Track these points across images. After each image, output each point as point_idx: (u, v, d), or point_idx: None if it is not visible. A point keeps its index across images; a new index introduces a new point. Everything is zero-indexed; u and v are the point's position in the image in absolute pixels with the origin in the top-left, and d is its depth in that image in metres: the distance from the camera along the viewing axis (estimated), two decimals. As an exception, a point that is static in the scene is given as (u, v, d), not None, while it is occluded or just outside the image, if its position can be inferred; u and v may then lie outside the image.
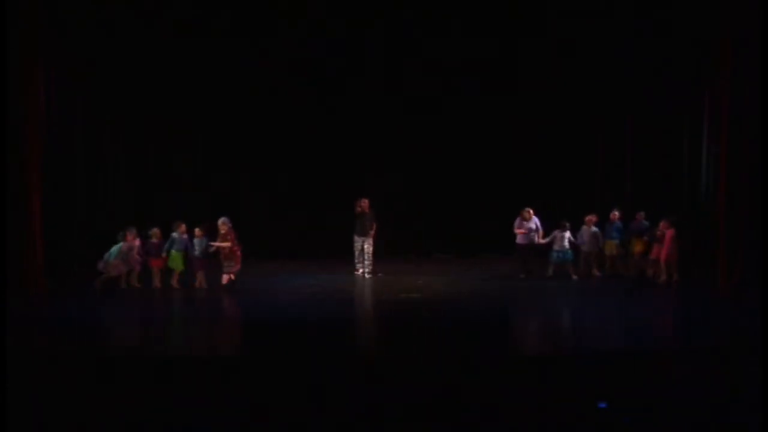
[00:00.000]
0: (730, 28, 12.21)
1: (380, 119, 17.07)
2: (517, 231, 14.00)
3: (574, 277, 13.77)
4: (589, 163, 17.26)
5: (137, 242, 13.08)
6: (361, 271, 14.28)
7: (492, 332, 10.26)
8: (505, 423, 6.90)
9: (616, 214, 14.23)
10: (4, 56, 11.62)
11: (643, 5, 15.07)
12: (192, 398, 7.37)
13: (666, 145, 15.78)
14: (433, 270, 15.22)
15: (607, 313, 11.28)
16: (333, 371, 7.96)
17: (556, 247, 13.82)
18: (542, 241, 13.99)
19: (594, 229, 13.98)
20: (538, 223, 14.11)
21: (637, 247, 14.00)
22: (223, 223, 12.96)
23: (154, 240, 13.12)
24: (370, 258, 14.25)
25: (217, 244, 12.91)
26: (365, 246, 14.21)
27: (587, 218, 14.06)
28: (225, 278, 12.89)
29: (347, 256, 14.95)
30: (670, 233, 13.33)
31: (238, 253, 12.95)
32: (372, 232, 14.20)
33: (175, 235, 13.10)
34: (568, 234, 13.79)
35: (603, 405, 6.99)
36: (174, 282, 13.13)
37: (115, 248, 12.90)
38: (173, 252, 13.09)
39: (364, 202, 14.18)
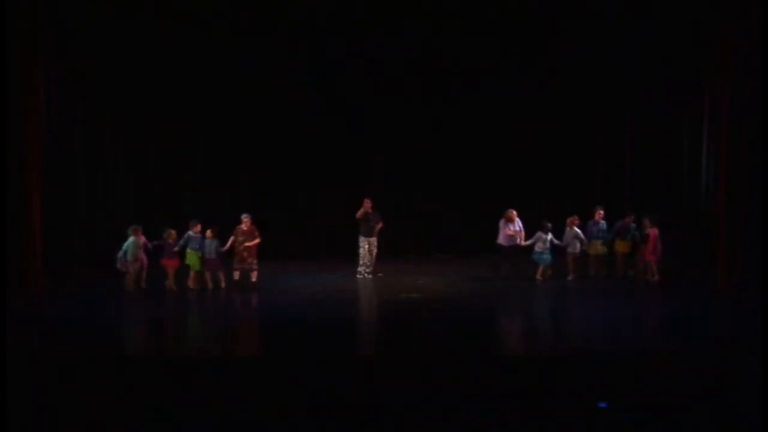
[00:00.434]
0: (730, 28, 12.20)
1: (380, 119, 17.07)
2: (507, 232, 13.92)
3: (539, 278, 13.68)
4: (589, 163, 17.26)
5: (143, 240, 12.95)
6: (362, 275, 14.17)
7: (492, 332, 10.27)
8: (505, 423, 6.90)
9: (600, 213, 14.14)
10: (4, 56, 11.62)
11: (644, 5, 15.06)
12: (192, 398, 7.37)
13: (666, 145, 15.78)
14: (433, 270, 15.21)
15: (606, 313, 11.27)
16: (333, 371, 7.96)
17: (537, 248, 13.78)
18: (525, 242, 13.95)
19: (576, 230, 13.85)
20: (521, 225, 14.06)
21: (621, 248, 13.98)
22: (246, 219, 12.93)
23: (170, 241, 12.97)
24: (373, 259, 14.21)
25: (249, 244, 12.86)
26: (371, 247, 14.12)
27: (569, 219, 13.90)
28: (237, 274, 12.91)
29: (347, 257, 14.94)
30: (654, 232, 13.34)
31: (254, 250, 12.98)
32: (378, 228, 14.07)
33: (190, 233, 13.01)
34: (550, 236, 13.73)
35: (603, 405, 6.99)
36: (190, 282, 12.99)
37: (127, 245, 12.75)
38: (188, 251, 13.00)
39: (367, 203, 14.12)
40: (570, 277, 13.75)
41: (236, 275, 12.96)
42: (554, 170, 17.09)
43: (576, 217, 13.94)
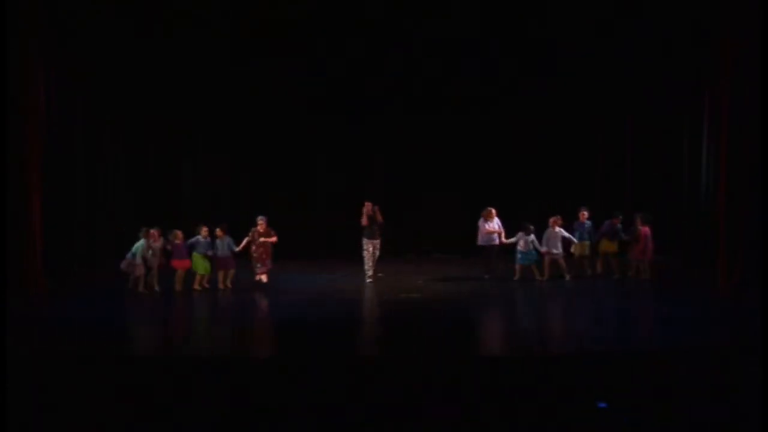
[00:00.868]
0: (730, 28, 12.20)
1: (380, 119, 17.09)
2: (489, 230, 13.86)
3: (538, 278, 13.64)
4: (589, 163, 17.27)
5: (159, 243, 12.88)
6: (372, 278, 14.11)
7: (492, 332, 10.26)
8: (505, 423, 6.90)
9: (584, 214, 14.05)
10: (4, 56, 11.62)
11: (644, 5, 15.07)
12: (192, 399, 7.37)
13: (666, 145, 15.79)
14: (433, 270, 15.21)
15: (605, 313, 11.28)
16: (333, 371, 7.97)
17: (520, 248, 13.74)
18: (505, 241, 13.88)
19: (557, 230, 13.79)
20: (500, 224, 13.99)
21: (606, 248, 13.95)
22: (261, 221, 12.93)
23: (177, 241, 12.93)
24: (372, 261, 14.14)
25: (268, 240, 12.86)
26: (375, 250, 14.06)
27: (552, 220, 13.81)
28: (265, 277, 12.96)
29: (347, 257, 14.94)
30: (645, 231, 13.33)
31: (270, 252, 12.99)
32: (380, 219, 14.01)
33: (199, 238, 13.00)
34: (532, 237, 13.68)
35: (603, 405, 6.99)
36: (196, 284, 12.94)
37: (136, 246, 12.70)
38: (195, 255, 12.97)
39: (368, 206, 14.05)
40: (544, 277, 13.64)
41: (264, 278, 12.97)
42: (554, 170, 17.10)
43: (558, 217, 13.83)
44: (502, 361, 8.37)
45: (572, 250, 14.02)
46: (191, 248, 12.99)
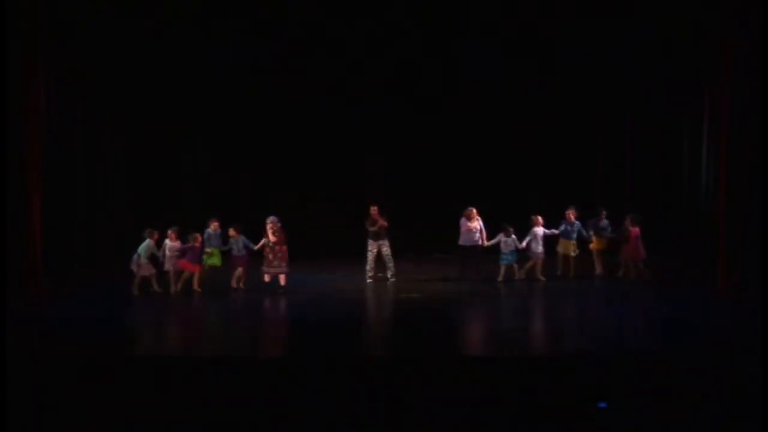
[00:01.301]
0: (730, 28, 12.20)
1: (380, 119, 17.07)
2: (470, 228, 13.76)
3: (518, 278, 13.59)
4: (589, 163, 17.26)
5: (177, 243, 12.76)
6: (372, 279, 14.06)
7: (491, 332, 10.26)
8: (505, 423, 6.90)
9: (572, 213, 13.94)
10: (4, 56, 11.62)
11: (644, 5, 15.06)
12: (191, 399, 7.37)
13: (666, 145, 15.79)
14: (433, 270, 15.20)
15: (605, 313, 11.28)
16: (334, 371, 7.97)
17: (502, 249, 13.66)
18: (486, 243, 13.83)
19: (537, 229, 13.66)
20: (482, 225, 13.90)
21: (597, 245, 13.90)
22: (273, 222, 12.90)
23: (196, 244, 12.80)
24: (391, 260, 14.07)
25: (271, 239, 12.79)
26: (383, 249, 14.03)
27: (534, 218, 13.74)
28: (282, 278, 12.85)
29: (347, 257, 14.94)
30: (635, 231, 13.32)
31: (286, 254, 12.90)
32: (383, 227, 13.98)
33: (210, 231, 12.97)
34: (513, 237, 13.62)
35: (603, 405, 6.99)
36: (195, 284, 12.86)
37: (142, 247, 12.64)
38: (212, 249, 12.93)
39: (374, 210, 14.02)
40: (518, 278, 13.60)
41: (266, 278, 12.89)
42: (554, 170, 17.09)
43: (538, 216, 13.75)
44: (502, 361, 8.37)
45: (558, 248, 13.91)
46: (206, 245, 12.91)
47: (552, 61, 16.50)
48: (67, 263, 14.20)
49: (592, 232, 13.97)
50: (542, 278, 13.59)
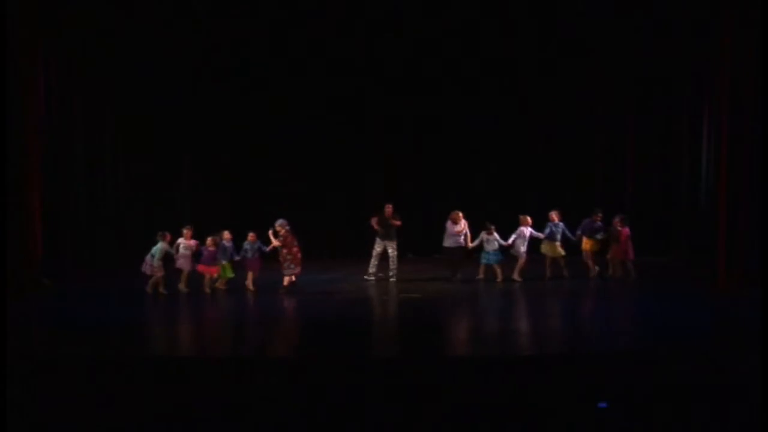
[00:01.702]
0: (730, 27, 12.20)
1: (380, 119, 17.08)
2: (456, 231, 13.70)
3: (499, 279, 13.53)
4: (589, 163, 17.27)
5: (192, 242, 12.72)
6: (374, 278, 14.08)
7: (492, 332, 10.26)
8: (505, 423, 6.90)
9: (556, 214, 13.77)
10: (4, 55, 11.62)
11: (644, 5, 15.08)
12: (192, 399, 7.37)
13: (666, 145, 15.79)
14: (433, 270, 15.19)
15: (605, 313, 11.28)
16: (332, 371, 7.97)
17: (485, 248, 13.62)
18: (471, 244, 13.78)
19: (524, 229, 13.60)
20: (466, 228, 13.82)
21: (589, 246, 13.83)
22: (280, 226, 12.84)
23: (211, 248, 12.78)
24: (395, 262, 14.10)
25: (274, 243, 12.76)
26: (389, 251, 14.07)
27: (522, 218, 13.67)
28: (286, 280, 12.81)
29: (347, 257, 14.94)
30: (625, 232, 13.29)
31: (299, 255, 12.86)
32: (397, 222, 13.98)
33: (224, 243, 12.86)
34: (495, 236, 13.58)
35: (603, 405, 6.99)
36: (219, 283, 12.91)
37: (155, 249, 12.54)
38: (224, 262, 12.87)
39: (389, 208, 14.05)
40: (499, 279, 13.54)
41: (285, 281, 12.88)
42: (554, 170, 17.09)
43: (528, 217, 13.70)
44: (502, 361, 8.37)
45: (542, 250, 13.80)
46: (221, 256, 12.83)
47: (552, 61, 16.50)
48: (67, 264, 14.19)
49: (579, 233, 13.86)
50: (519, 279, 13.49)
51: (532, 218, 13.80)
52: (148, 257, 12.53)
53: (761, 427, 6.46)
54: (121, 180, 16.40)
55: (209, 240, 12.81)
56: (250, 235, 13.01)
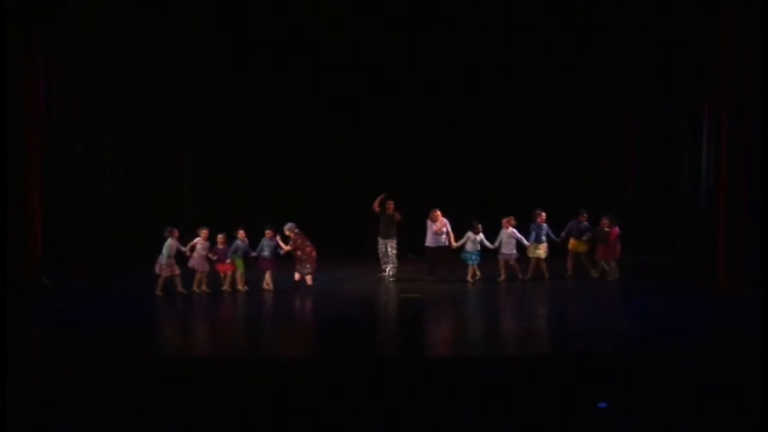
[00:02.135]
0: (730, 28, 12.20)
1: (380, 119, 17.07)
2: (436, 231, 13.68)
3: (470, 279, 13.48)
4: (589, 163, 17.26)
5: (207, 244, 12.64)
6: (386, 272, 14.08)
7: (491, 331, 10.26)
8: (505, 422, 6.90)
9: (542, 215, 13.67)
10: (4, 55, 11.61)
11: (644, 5, 15.08)
12: (192, 399, 7.37)
13: (666, 144, 15.79)
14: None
15: (605, 313, 11.28)
16: (332, 371, 7.97)
17: (467, 248, 13.57)
18: (454, 244, 13.72)
19: (512, 230, 13.52)
20: (448, 226, 13.79)
21: (575, 247, 13.77)
22: (289, 230, 12.86)
23: (220, 246, 12.70)
24: (395, 261, 14.13)
25: (284, 248, 12.82)
26: (389, 249, 14.09)
27: (504, 220, 13.55)
28: (297, 276, 12.86)
29: (347, 257, 14.93)
30: (615, 232, 13.27)
31: (313, 254, 12.88)
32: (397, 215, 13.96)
33: (238, 242, 12.80)
34: (480, 236, 13.54)
35: (603, 405, 6.99)
36: (239, 285, 12.82)
37: (165, 247, 12.41)
38: (236, 260, 12.76)
39: (390, 205, 14.08)
40: (500, 279, 13.44)
41: (297, 277, 12.91)
42: (554, 170, 17.08)
43: (512, 217, 13.61)
44: (502, 361, 8.37)
45: (528, 252, 13.69)
46: (234, 253, 12.76)
47: (552, 61, 16.49)
48: (66, 264, 14.19)
49: (564, 234, 13.79)
50: (521, 276, 13.47)
51: (530, 219, 13.76)
52: (159, 257, 12.44)
53: (761, 427, 6.46)
54: (121, 180, 16.39)
55: (220, 237, 12.74)
56: (268, 232, 12.92)
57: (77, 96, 14.80)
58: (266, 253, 12.83)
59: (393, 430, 6.88)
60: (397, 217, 13.93)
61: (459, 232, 13.86)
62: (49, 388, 7.53)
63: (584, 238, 13.71)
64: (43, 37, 13.05)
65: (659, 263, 15.00)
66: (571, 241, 13.87)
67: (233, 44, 16.35)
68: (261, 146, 17.14)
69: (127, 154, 16.41)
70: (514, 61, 16.59)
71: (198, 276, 12.64)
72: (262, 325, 11.18)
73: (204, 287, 12.63)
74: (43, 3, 12.90)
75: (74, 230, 14.81)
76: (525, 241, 13.54)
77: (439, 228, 13.69)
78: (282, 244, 12.87)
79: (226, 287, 12.72)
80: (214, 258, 12.68)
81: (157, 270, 12.39)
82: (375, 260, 14.39)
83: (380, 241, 14.09)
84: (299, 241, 12.83)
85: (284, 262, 13.09)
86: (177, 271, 12.45)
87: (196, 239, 12.60)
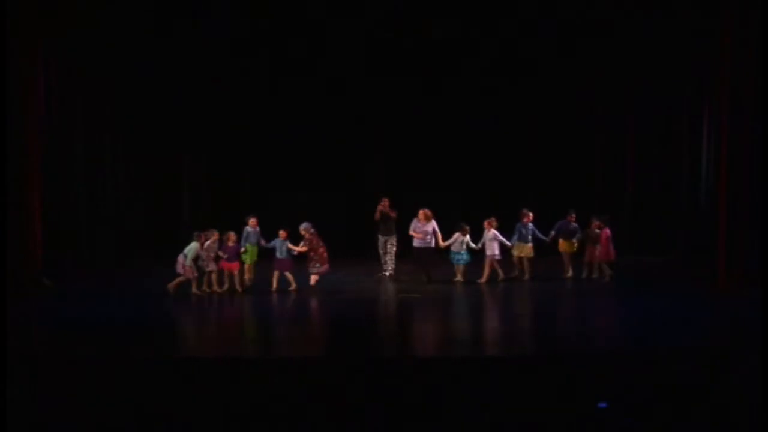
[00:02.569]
0: (730, 28, 12.20)
1: (380, 119, 17.06)
2: (412, 233, 13.71)
3: (458, 279, 13.40)
4: (589, 163, 17.26)
5: (216, 245, 12.59)
6: (388, 273, 14.14)
7: (491, 331, 10.27)
8: (506, 422, 6.91)
9: (528, 215, 13.62)
10: (4, 55, 11.61)
11: (644, 5, 15.07)
12: (192, 399, 7.37)
13: (666, 144, 15.79)
14: (433, 270, 15.18)
15: (605, 313, 11.28)
16: (332, 371, 7.97)
17: (453, 248, 13.51)
18: (442, 243, 13.67)
19: (494, 232, 13.45)
20: (436, 227, 13.74)
21: (565, 248, 13.70)
22: (305, 230, 12.88)
23: (230, 244, 12.70)
24: (393, 259, 14.15)
25: (298, 249, 12.82)
26: (388, 246, 14.10)
27: (486, 222, 13.49)
28: (312, 279, 12.86)
29: (347, 257, 14.93)
30: (606, 233, 13.25)
31: (325, 254, 12.89)
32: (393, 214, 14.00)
33: (248, 228, 12.93)
34: (467, 237, 13.46)
35: (603, 405, 6.99)
36: (246, 277, 12.86)
37: (188, 248, 12.38)
38: (248, 245, 12.88)
39: (385, 202, 14.11)
40: (482, 280, 13.36)
41: (312, 281, 12.91)
42: (554, 171, 17.07)
43: (493, 218, 13.54)
44: (503, 361, 8.37)
45: (513, 251, 13.63)
46: (245, 240, 12.84)
47: (552, 61, 16.48)
48: (66, 263, 14.18)
49: (553, 233, 13.71)
50: (480, 280, 13.39)
51: (529, 219, 13.74)
52: (180, 257, 12.41)
53: (761, 427, 6.46)
54: (121, 180, 16.38)
55: (232, 235, 12.73)
56: (281, 233, 12.93)
57: (77, 96, 14.79)
58: (278, 253, 12.83)
59: (393, 430, 6.88)
60: (393, 214, 13.96)
61: (451, 231, 13.89)
62: (49, 388, 7.53)
63: (575, 239, 13.66)
64: (43, 37, 13.04)
65: (659, 263, 14.99)
66: (561, 242, 13.78)
67: (233, 44, 16.34)
68: (261, 146, 17.12)
69: (127, 154, 16.40)
70: (514, 61, 16.58)
71: (207, 276, 12.62)
72: (262, 325, 11.19)
73: (215, 287, 12.60)
74: (43, 3, 12.90)
75: (74, 230, 14.80)
76: (507, 243, 13.50)
77: (426, 229, 13.61)
78: (292, 246, 12.85)
79: (227, 286, 12.68)
80: (224, 256, 12.67)
81: (180, 270, 12.39)
82: (375, 259, 14.39)
83: (380, 238, 14.16)
84: (314, 242, 12.84)
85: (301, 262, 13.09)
86: (195, 274, 12.47)
87: (207, 241, 12.57)
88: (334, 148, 17.12)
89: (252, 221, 13.08)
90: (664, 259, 15.24)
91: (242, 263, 12.92)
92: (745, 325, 9.50)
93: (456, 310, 11.80)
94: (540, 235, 13.64)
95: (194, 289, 12.43)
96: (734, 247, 12.03)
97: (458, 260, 13.52)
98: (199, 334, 10.65)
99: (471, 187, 17.16)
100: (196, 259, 12.42)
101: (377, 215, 14.05)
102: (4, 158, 11.44)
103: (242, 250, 12.85)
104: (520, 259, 13.61)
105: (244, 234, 12.94)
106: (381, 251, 14.20)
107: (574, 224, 13.72)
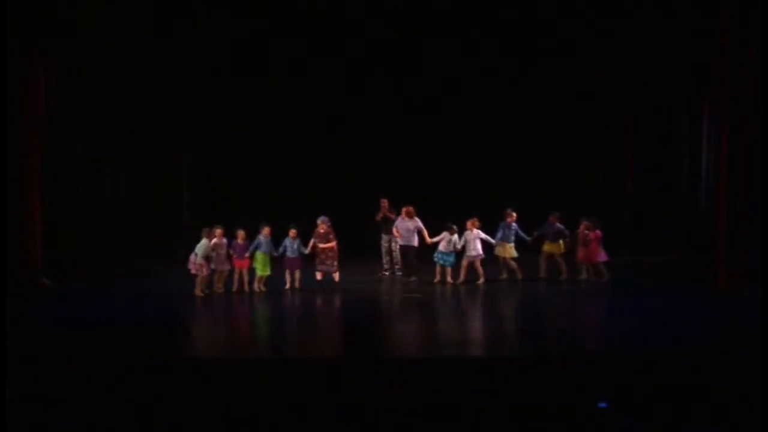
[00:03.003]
0: (730, 28, 12.20)
1: (380, 119, 17.07)
2: (394, 232, 13.73)
3: (449, 281, 13.32)
4: (588, 163, 17.26)
5: (224, 240, 12.52)
6: (388, 272, 14.16)
7: (491, 331, 10.27)
8: (505, 422, 6.90)
9: (512, 215, 13.52)
10: (4, 55, 11.61)
11: (644, 5, 15.07)
12: (193, 399, 7.37)
13: (666, 145, 15.79)
14: (433, 270, 15.18)
15: (605, 313, 11.28)
16: (332, 371, 7.97)
17: (441, 247, 13.43)
18: (429, 240, 13.59)
19: (477, 231, 13.36)
20: (420, 224, 13.70)
21: (549, 249, 13.59)
22: (323, 222, 12.89)
23: (239, 241, 12.68)
24: (399, 258, 14.13)
25: (323, 245, 12.80)
26: (392, 245, 14.11)
27: (468, 222, 13.39)
28: (336, 276, 12.91)
29: (347, 257, 14.92)
30: (595, 235, 13.21)
31: (336, 249, 12.92)
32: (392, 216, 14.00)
33: (261, 238, 12.78)
34: (455, 237, 13.40)
35: (603, 405, 6.99)
36: (256, 286, 12.75)
37: (199, 246, 12.34)
38: (258, 254, 12.75)
39: (384, 203, 14.13)
40: (459, 281, 13.27)
41: (318, 276, 12.92)
42: (554, 170, 17.07)
43: (476, 219, 13.46)
44: (503, 360, 8.37)
45: (495, 252, 13.57)
46: (255, 248, 12.74)
47: (552, 60, 16.48)
48: (66, 263, 14.19)
49: (536, 234, 13.57)
50: (481, 279, 13.30)
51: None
52: (192, 256, 12.37)
53: (761, 427, 6.47)
54: (121, 180, 16.39)
55: (241, 233, 12.70)
56: (291, 232, 12.91)
57: (77, 96, 14.80)
58: (289, 252, 12.80)
59: (393, 430, 6.88)
60: (391, 215, 14.02)
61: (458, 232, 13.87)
62: (49, 388, 7.53)
63: (562, 241, 13.53)
64: (43, 37, 13.04)
65: (659, 263, 15.00)
66: (546, 243, 13.64)
67: (233, 44, 16.34)
68: (261, 146, 17.12)
69: (127, 154, 16.40)
70: (514, 61, 16.58)
71: (218, 275, 12.59)
72: (262, 325, 11.20)
73: (221, 286, 12.59)
74: (43, 3, 12.90)
75: (74, 230, 14.81)
76: (491, 240, 13.43)
77: (410, 226, 13.58)
78: (322, 238, 12.83)
79: (244, 285, 12.65)
80: (233, 254, 12.65)
81: (192, 269, 12.35)
82: (377, 258, 14.41)
83: (383, 237, 14.26)
84: (331, 236, 12.83)
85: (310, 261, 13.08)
86: (207, 271, 12.41)
87: (214, 240, 12.51)
88: (334, 149, 17.12)
89: (266, 230, 12.84)
90: (664, 259, 15.24)
91: (252, 261, 12.80)
92: (745, 325, 9.50)
93: (456, 310, 11.79)
94: (523, 235, 13.54)
95: (198, 291, 12.38)
96: (734, 247, 12.04)
97: (444, 261, 13.42)
98: (199, 333, 10.64)
99: (471, 187, 17.16)
100: (207, 256, 12.36)
101: (378, 216, 14.07)
102: (4, 158, 11.44)
103: (247, 255, 12.71)
104: (505, 259, 13.52)
105: (256, 242, 12.75)
106: (383, 250, 14.25)
107: (558, 225, 13.57)
